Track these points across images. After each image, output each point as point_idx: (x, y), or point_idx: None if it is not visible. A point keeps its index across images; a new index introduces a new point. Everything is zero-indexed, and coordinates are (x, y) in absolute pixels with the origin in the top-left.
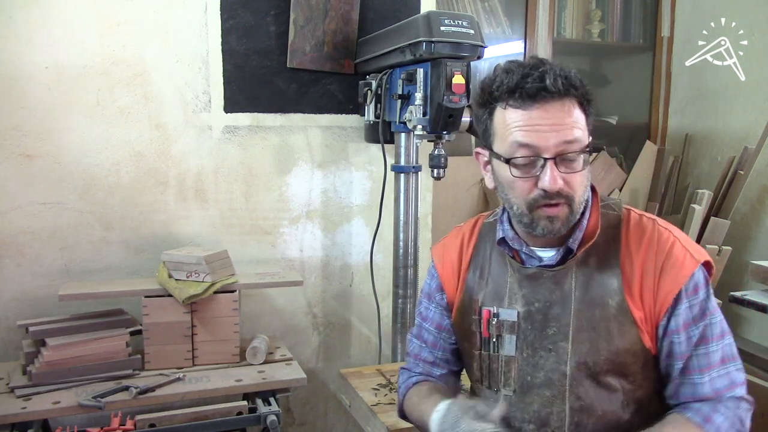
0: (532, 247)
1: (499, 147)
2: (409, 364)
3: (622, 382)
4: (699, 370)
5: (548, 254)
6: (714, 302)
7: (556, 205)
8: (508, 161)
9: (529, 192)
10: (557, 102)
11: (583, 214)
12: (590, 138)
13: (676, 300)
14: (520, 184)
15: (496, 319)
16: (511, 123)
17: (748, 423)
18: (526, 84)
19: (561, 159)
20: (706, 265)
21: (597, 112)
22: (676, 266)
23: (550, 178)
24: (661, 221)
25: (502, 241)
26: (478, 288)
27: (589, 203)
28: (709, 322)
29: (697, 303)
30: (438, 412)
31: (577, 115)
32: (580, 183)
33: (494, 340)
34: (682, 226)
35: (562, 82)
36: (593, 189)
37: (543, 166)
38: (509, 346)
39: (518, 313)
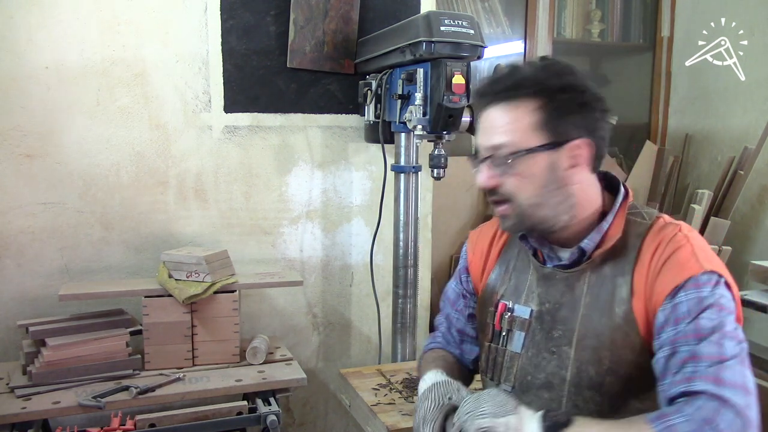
0: (554, 245)
1: None
2: (438, 322)
3: (633, 401)
4: (680, 363)
5: (566, 254)
6: (727, 319)
7: (498, 203)
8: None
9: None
10: (502, 104)
11: (604, 217)
12: (554, 139)
13: (669, 297)
14: None
15: (509, 314)
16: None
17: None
18: (480, 87)
19: (496, 161)
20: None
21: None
22: (677, 267)
23: (479, 176)
24: (686, 228)
25: (523, 237)
26: (501, 281)
27: (615, 207)
28: (703, 324)
29: (694, 300)
30: (423, 381)
31: (514, 119)
32: (517, 185)
33: (504, 334)
34: None
35: (500, 88)
36: (626, 194)
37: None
38: (517, 342)
39: (532, 311)
